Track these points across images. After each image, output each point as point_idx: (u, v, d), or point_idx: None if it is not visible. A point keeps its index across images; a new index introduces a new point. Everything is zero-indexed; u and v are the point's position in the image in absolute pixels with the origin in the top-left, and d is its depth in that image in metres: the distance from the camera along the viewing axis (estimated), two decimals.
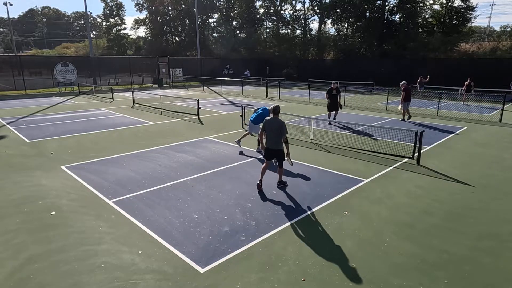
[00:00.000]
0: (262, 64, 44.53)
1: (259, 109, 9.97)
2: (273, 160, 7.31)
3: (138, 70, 36.07)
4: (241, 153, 9.83)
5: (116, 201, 6.42)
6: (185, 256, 4.70)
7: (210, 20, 60.12)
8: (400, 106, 15.11)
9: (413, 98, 23.90)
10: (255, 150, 10.07)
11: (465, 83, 21.70)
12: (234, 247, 4.93)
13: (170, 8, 60.02)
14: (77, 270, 4.38)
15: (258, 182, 7.04)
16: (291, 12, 50.71)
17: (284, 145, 6.89)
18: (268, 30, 54.09)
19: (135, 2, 61.29)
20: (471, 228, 5.56)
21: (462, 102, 21.46)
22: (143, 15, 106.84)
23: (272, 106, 9.05)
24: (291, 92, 29.15)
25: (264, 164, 7.14)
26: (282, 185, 7.15)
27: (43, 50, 73.04)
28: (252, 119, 9.91)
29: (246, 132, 10.46)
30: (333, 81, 14.85)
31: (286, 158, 6.98)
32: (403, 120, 15.22)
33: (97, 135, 12.09)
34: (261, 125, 7.80)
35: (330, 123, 14.08)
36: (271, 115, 7.00)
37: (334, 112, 14.57)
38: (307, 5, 48.23)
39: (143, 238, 5.16)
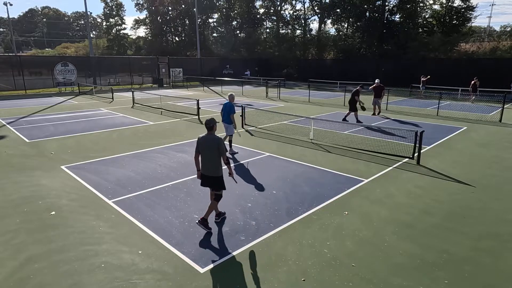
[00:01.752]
0: (262, 64, 44.54)
1: (224, 108, 9.41)
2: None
3: (138, 70, 36.06)
4: (233, 154, 9.64)
5: (116, 201, 6.42)
6: (185, 256, 4.70)
7: (210, 20, 60.23)
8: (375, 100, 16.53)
9: (414, 98, 24.21)
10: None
11: (471, 82, 21.57)
12: (234, 247, 4.93)
13: (170, 8, 60.02)
14: (77, 270, 4.38)
15: (215, 215, 5.67)
16: (291, 12, 50.81)
17: (226, 166, 5.39)
18: (268, 30, 54.14)
19: (135, 2, 61.38)
20: (471, 228, 5.56)
21: (471, 102, 21.22)
22: (143, 15, 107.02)
23: (228, 95, 9.41)
24: (291, 92, 29.14)
25: (210, 192, 5.71)
26: (220, 217, 5.72)
27: (44, 50, 73.02)
28: (224, 119, 9.43)
29: (226, 137, 9.64)
30: (360, 84, 15.10)
31: (231, 177, 5.51)
32: (374, 114, 16.50)
33: (97, 135, 12.09)
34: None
35: (359, 122, 14.25)
36: (205, 133, 5.35)
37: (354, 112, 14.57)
38: (307, 5, 48.33)
39: (143, 238, 5.16)
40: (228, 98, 9.47)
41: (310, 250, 4.87)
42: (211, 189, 5.54)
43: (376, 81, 16.68)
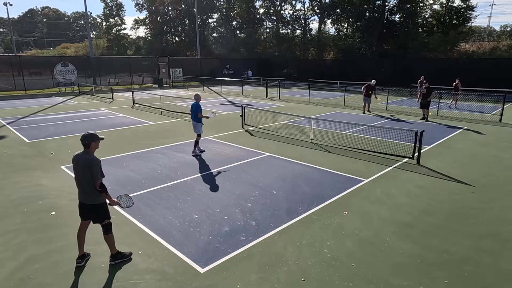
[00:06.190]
0: (262, 64, 44.54)
1: (191, 109, 9.68)
2: None
3: (138, 70, 36.07)
4: (199, 154, 9.64)
5: None
6: (185, 256, 4.70)
7: (210, 20, 60.25)
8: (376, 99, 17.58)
9: (414, 98, 24.17)
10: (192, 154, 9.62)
11: (454, 83, 20.17)
12: (234, 247, 4.93)
13: (170, 8, 60.01)
14: (77, 270, 4.38)
15: (77, 257, 4.53)
16: (291, 12, 50.89)
17: (102, 196, 4.42)
18: (268, 30, 54.15)
19: (135, 2, 61.37)
20: (471, 228, 5.56)
21: (449, 106, 19.78)
22: (143, 15, 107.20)
23: (194, 95, 9.34)
24: (291, 92, 29.13)
25: (80, 225, 4.62)
26: (117, 260, 4.55)
27: (44, 50, 73.00)
28: (192, 118, 9.71)
29: (196, 140, 9.76)
30: (424, 80, 15.42)
31: (115, 206, 4.59)
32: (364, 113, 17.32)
33: None
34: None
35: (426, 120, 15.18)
36: (81, 151, 4.42)
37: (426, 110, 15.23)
38: (307, 5, 48.35)
39: (143, 238, 5.16)
40: (194, 98, 9.69)
41: (310, 250, 4.87)
42: (92, 221, 4.55)
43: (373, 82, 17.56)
